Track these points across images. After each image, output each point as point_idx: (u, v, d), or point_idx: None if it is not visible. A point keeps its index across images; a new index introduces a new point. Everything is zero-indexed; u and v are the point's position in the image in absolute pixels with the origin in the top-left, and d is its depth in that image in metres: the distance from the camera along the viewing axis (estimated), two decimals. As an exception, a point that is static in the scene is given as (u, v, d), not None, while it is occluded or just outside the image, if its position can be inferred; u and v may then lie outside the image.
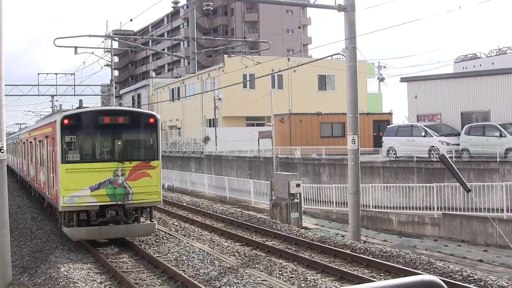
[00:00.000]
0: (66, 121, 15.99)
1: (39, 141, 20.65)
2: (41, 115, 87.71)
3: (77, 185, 15.62)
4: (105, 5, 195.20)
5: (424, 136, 26.18)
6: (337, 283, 12.03)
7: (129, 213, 16.17)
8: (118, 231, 16.14)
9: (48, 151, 18.14)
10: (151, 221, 16.84)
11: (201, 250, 15.66)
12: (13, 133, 46.90)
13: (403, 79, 32.34)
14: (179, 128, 57.86)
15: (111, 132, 16.76)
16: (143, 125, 16.97)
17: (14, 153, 34.44)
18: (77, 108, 18.86)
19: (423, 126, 26.98)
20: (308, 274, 12.65)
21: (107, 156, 16.39)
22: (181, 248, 15.97)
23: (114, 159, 16.16)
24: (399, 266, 13.03)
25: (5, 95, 12.89)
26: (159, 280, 12.64)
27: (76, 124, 16.19)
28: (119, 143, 16.74)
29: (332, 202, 25.43)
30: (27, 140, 25.76)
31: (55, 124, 16.58)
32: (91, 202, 15.61)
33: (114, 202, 15.81)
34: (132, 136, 17.21)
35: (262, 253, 15.28)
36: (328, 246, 15.54)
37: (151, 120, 16.86)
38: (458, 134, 26.24)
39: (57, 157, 16.14)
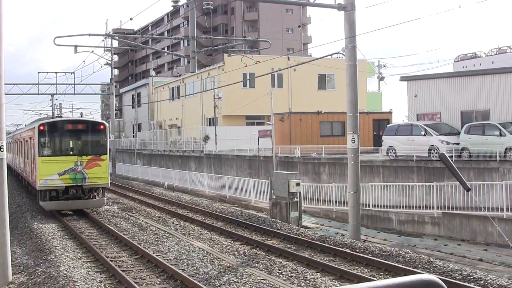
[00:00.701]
0: (41, 128, 22.55)
1: (26, 141, 26.40)
2: (40, 114, 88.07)
3: (49, 172, 22.00)
4: (105, 4, 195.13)
5: (424, 135, 26.16)
6: (336, 282, 12.03)
7: (86, 191, 22.64)
8: (78, 204, 22.74)
9: (30, 148, 24.22)
10: (102, 197, 23.45)
11: (200, 249, 15.68)
12: (9, 133, 49.31)
13: (403, 78, 32.30)
14: (179, 127, 57.82)
15: (73, 135, 23.29)
16: (96, 130, 23.50)
17: (9, 150, 39.18)
18: (51, 118, 27.05)
19: (423, 125, 26.96)
20: (307, 273, 12.66)
21: (70, 152, 22.92)
22: (181, 247, 15.98)
23: (75, 154, 22.66)
24: (399, 265, 13.03)
25: (5, 94, 12.91)
26: (159, 279, 12.64)
27: (48, 130, 22.72)
28: (79, 142, 23.24)
29: (332, 201, 25.42)
30: (18, 140, 31.25)
31: (34, 129, 23.15)
32: (59, 183, 22.06)
33: (75, 184, 22.25)
34: (87, 138, 23.54)
35: (262, 252, 15.28)
36: (328, 245, 15.54)
37: (101, 126, 23.63)
38: (458, 133, 26.21)
39: (35, 152, 22.47)
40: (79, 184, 22.22)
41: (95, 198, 23.04)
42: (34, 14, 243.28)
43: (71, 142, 23.25)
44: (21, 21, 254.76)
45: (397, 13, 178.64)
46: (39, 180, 21.95)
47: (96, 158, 22.69)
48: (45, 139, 22.62)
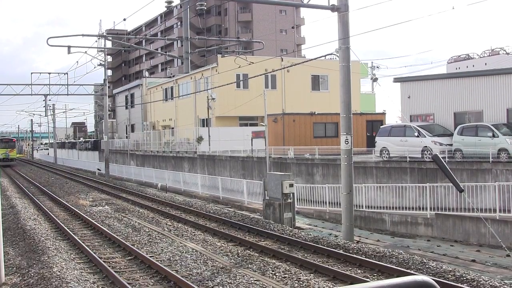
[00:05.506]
0: None
1: None
2: (33, 114, 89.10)
3: None
4: (99, 4, 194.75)
5: (417, 136, 26.22)
6: (330, 283, 12.04)
7: (8, 159, 76.59)
8: (6, 163, 73.81)
9: None
10: (14, 161, 79.96)
11: (194, 250, 15.66)
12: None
13: (396, 80, 32.37)
14: (172, 128, 57.72)
15: (4, 142, 78.71)
16: (11, 141, 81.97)
17: None
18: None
19: (416, 127, 27.02)
20: (301, 274, 12.66)
21: (3, 148, 76.88)
22: (174, 248, 15.97)
23: (5, 148, 76.90)
24: (392, 266, 13.06)
25: (-2, 95, 13.14)
26: (152, 280, 12.62)
27: None
28: (6, 144, 77.85)
29: (325, 202, 25.43)
30: None
31: None
32: (1, 156, 75.34)
33: (5, 157, 75.82)
34: (9, 143, 79.32)
35: (255, 253, 15.28)
36: (321, 246, 15.55)
37: (14, 140, 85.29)
38: (451, 135, 26.28)
39: None
40: (6, 157, 74.97)
41: (12, 161, 76.91)
42: (29, 15, 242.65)
43: (4, 144, 76.47)
44: (16, 21, 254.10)
45: (391, 14, 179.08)
46: None
47: (12, 149, 77.48)
48: None
